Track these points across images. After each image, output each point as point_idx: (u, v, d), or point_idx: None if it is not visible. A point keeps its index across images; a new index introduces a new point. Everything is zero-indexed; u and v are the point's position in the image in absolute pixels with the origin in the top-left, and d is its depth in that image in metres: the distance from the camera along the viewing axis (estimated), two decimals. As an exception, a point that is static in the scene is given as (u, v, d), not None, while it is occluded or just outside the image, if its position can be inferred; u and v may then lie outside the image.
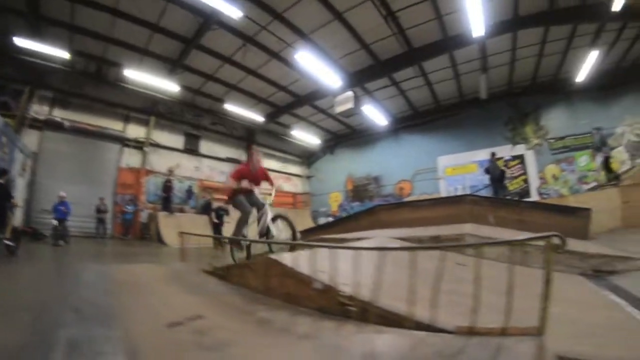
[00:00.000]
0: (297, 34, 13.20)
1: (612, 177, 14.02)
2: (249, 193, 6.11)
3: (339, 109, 15.82)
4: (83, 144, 15.50)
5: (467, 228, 6.06)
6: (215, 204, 16.31)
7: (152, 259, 8.94)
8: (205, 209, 17.06)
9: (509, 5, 12.70)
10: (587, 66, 15.30)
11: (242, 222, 5.96)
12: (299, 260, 3.40)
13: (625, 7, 11.76)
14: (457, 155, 19.83)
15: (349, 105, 15.36)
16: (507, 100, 18.96)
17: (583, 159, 17.36)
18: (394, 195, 22.21)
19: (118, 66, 14.20)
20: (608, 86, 17.27)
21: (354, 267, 2.69)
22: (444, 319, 2.31)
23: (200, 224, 15.48)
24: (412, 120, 21.48)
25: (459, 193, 16.90)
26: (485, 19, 11.62)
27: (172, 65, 14.69)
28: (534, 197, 16.97)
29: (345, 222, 10.78)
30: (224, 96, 17.80)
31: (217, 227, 13.66)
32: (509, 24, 13.31)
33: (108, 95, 15.95)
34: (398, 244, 5.52)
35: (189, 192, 18.56)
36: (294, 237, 5.53)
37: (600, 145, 16.27)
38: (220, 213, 13.76)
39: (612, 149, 16.29)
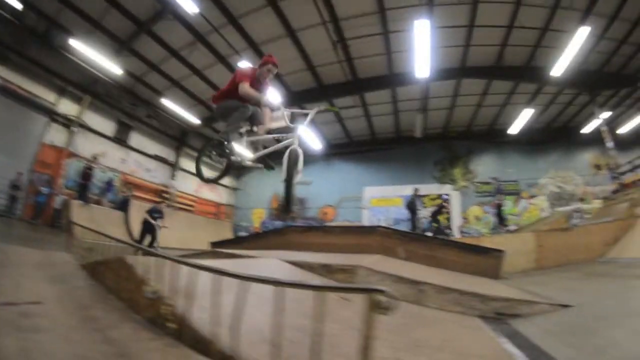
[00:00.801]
0: (247, 42, 13.05)
1: (502, 223, 15.09)
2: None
3: (273, 125, 15.27)
4: (9, 108, 13.45)
5: (367, 260, 5.84)
6: (136, 202, 15.31)
7: (42, 246, 8.01)
8: (123, 205, 15.77)
9: (457, 55, 13.60)
10: (521, 121, 17.00)
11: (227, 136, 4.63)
12: (150, 266, 3.15)
13: (563, 75, 13.25)
14: (385, 188, 20.34)
15: (283, 123, 14.87)
16: (441, 142, 20.09)
17: (506, 203, 18.50)
18: (317, 219, 21.93)
19: (67, 33, 12.79)
20: (537, 141, 19.51)
21: (213, 289, 2.41)
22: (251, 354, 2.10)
23: (116, 221, 14.43)
24: (346, 148, 21.82)
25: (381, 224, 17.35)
26: (432, 63, 12.08)
27: (120, 45, 13.68)
28: (456, 235, 17.59)
29: (256, 239, 10.38)
30: (164, 90, 16.93)
31: (150, 229, 11.76)
32: (455, 72, 14.21)
33: (49, 61, 14.18)
34: (284, 268, 5.38)
35: (109, 184, 16.92)
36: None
37: (495, 193, 18.39)
38: (155, 215, 11.89)
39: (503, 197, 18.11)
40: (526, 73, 14.54)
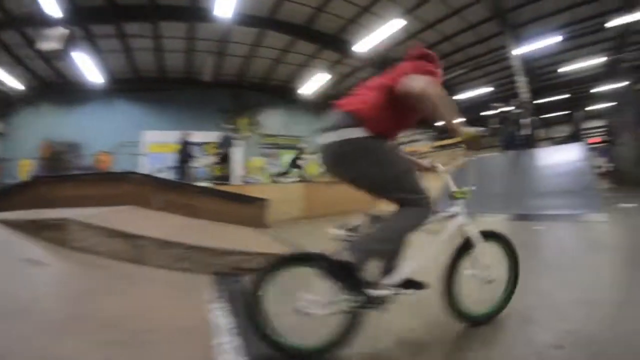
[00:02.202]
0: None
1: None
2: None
3: (45, 45, 11.42)
4: None
5: (75, 213, 4.47)
6: None
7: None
8: None
9: (269, 4, 12.87)
10: (315, 84, 17.93)
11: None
12: None
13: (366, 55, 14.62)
14: (166, 133, 17.43)
15: (57, 45, 11.26)
16: (231, 90, 19.19)
17: (287, 157, 19.01)
18: (93, 167, 18.19)
19: None
20: (325, 105, 19.77)
21: None
22: None
23: None
24: (131, 85, 18.20)
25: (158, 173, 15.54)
26: (238, 4, 11.23)
27: None
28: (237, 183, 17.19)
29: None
30: None
31: None
32: (263, 21, 13.53)
33: None
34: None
35: None
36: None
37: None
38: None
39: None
40: (334, 42, 15.14)
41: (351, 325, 1.93)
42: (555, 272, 3.45)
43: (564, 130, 18.35)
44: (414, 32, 15.17)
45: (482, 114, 23.72)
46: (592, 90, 22.03)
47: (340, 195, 10.82)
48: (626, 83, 15.53)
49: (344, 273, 1.84)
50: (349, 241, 2.06)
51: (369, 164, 1.98)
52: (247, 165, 18.91)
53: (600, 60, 18.16)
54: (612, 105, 18.52)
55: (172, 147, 17.10)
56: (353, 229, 2.22)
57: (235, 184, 12.80)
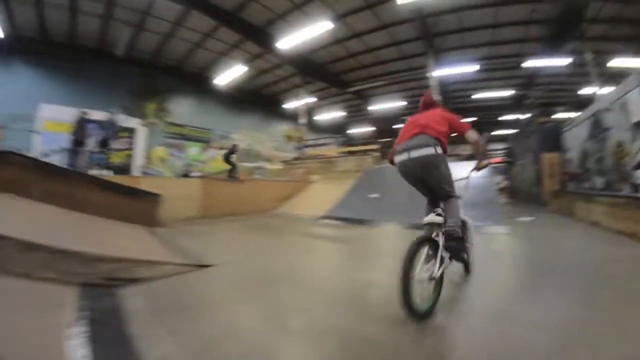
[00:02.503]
0: None
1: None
2: None
3: None
4: None
5: None
6: None
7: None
8: None
9: None
10: (231, 76, 17.14)
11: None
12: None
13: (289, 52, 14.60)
14: (66, 109, 14.35)
15: None
16: (142, 70, 17.31)
17: (194, 150, 18.91)
18: None
19: None
20: (241, 100, 21.01)
21: None
22: None
23: None
24: (35, 46, 14.81)
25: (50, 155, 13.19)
26: None
27: None
28: (136, 174, 15.59)
29: None
30: None
31: None
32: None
33: None
34: None
35: None
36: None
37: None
38: None
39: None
40: (258, 34, 14.51)
41: (441, 286, 2.79)
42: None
43: (467, 149, 19.90)
44: (341, 39, 15.29)
45: (393, 126, 25.86)
46: (498, 118, 25.70)
47: (240, 195, 10.51)
48: (528, 115, 17.14)
49: (453, 245, 2.95)
50: (444, 223, 2.99)
51: (441, 170, 3.05)
52: (149, 156, 17.13)
53: (508, 92, 21.02)
54: (514, 132, 20.62)
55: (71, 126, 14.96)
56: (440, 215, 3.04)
57: (136, 175, 11.50)
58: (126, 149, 16.18)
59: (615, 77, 13.33)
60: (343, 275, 4.14)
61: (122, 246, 4.47)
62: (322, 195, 11.12)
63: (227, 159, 12.11)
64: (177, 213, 7.95)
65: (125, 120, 16.33)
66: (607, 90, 11.72)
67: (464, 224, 3.30)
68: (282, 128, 24.61)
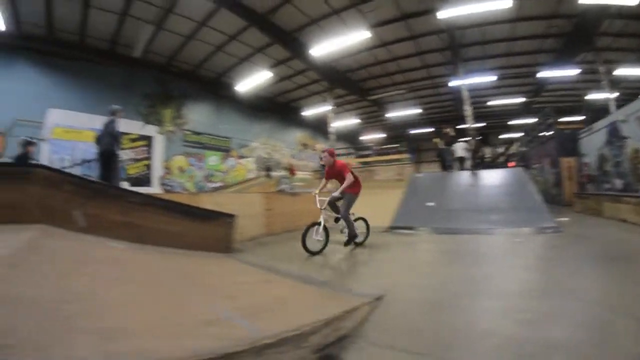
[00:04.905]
0: None
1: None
2: None
3: None
4: None
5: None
6: None
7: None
8: None
9: None
10: (253, 82, 15.62)
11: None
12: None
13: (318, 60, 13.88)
14: (77, 115, 12.99)
15: None
16: (159, 74, 15.42)
17: (213, 159, 17.33)
18: None
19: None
20: (258, 107, 19.45)
21: None
22: None
23: None
24: (42, 44, 12.60)
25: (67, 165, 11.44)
26: None
27: None
28: (156, 187, 14.09)
29: None
30: None
31: None
32: None
33: None
34: None
35: None
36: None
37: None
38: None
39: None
40: (289, 40, 13.39)
41: (326, 244, 5.59)
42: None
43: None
44: (370, 47, 14.34)
45: (409, 132, 25.84)
46: (508, 122, 25.76)
47: (295, 208, 9.20)
48: (542, 121, 17.24)
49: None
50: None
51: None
52: (168, 166, 15.34)
53: (520, 99, 21.02)
54: (528, 137, 20.55)
55: (83, 134, 12.82)
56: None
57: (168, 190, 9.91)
58: (144, 159, 14.37)
59: (621, 83, 15.67)
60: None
61: (274, 297, 2.94)
62: (374, 205, 10.00)
63: (268, 175, 11.04)
64: (244, 233, 6.51)
65: (143, 128, 14.58)
66: (613, 95, 13.26)
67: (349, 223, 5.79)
68: (297, 135, 23.30)
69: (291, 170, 15.49)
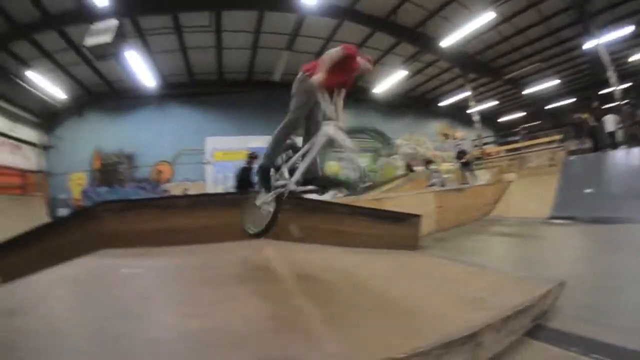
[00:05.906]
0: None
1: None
2: None
3: (92, 40, 8.77)
4: None
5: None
6: None
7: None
8: None
9: None
10: (390, 82, 16.20)
11: None
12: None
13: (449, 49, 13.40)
14: (230, 139, 15.51)
15: (106, 38, 8.62)
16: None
17: (365, 160, 17.68)
18: (150, 180, 15.89)
19: None
20: (395, 105, 19.51)
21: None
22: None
23: None
24: (186, 89, 15.58)
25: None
26: None
27: None
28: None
29: (39, 239, 4.41)
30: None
31: None
32: (342, 11, 11.65)
33: None
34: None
35: None
36: None
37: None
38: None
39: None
40: (412, 35, 13.34)
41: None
42: None
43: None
44: (493, 25, 13.26)
45: (547, 107, 22.78)
46: None
47: (461, 203, 9.40)
48: None
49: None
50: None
51: None
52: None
53: None
54: None
55: (238, 154, 14.38)
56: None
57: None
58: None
59: None
60: None
61: (488, 282, 3.20)
62: (530, 194, 9.81)
63: (462, 164, 11.93)
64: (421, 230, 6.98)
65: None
66: None
67: None
68: (437, 126, 22.70)
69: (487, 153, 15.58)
